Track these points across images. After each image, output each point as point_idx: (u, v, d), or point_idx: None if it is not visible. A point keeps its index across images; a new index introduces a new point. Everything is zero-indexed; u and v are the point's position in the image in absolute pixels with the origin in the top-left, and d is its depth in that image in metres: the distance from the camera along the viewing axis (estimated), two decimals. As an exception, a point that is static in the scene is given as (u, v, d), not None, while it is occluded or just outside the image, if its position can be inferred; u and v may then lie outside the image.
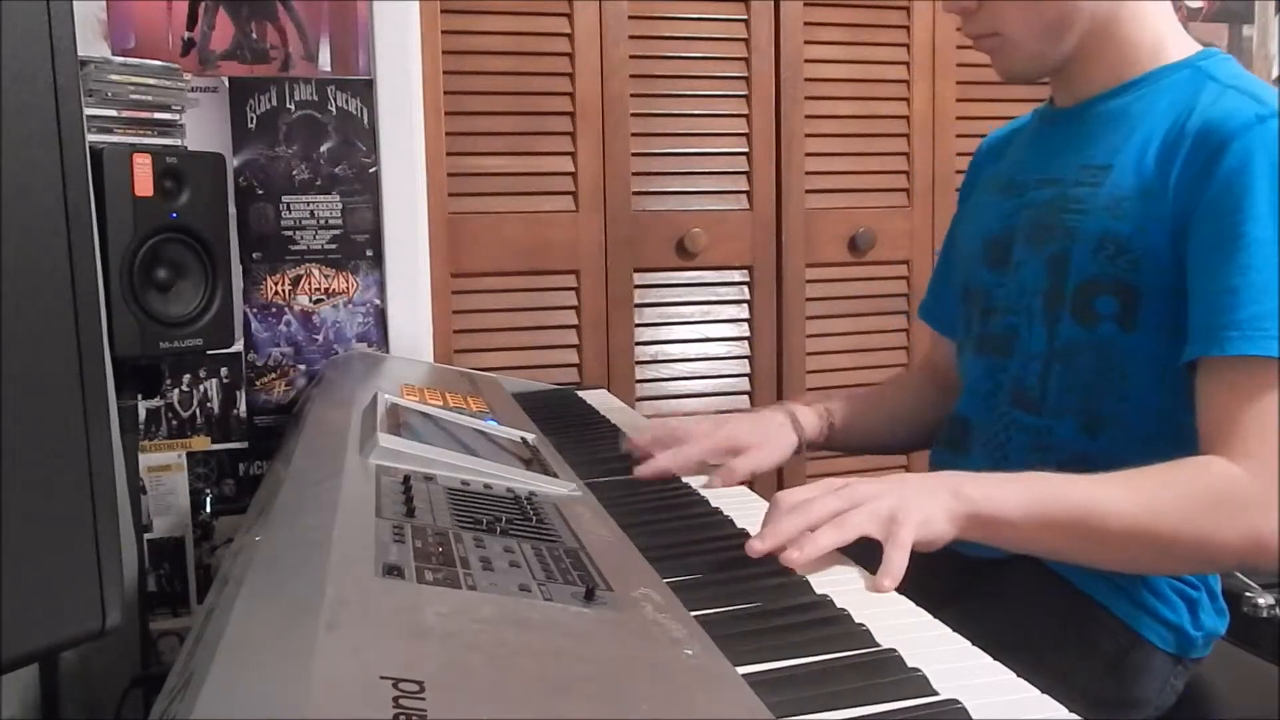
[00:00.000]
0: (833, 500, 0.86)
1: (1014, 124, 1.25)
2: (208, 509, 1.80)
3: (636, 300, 2.05)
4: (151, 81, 1.58)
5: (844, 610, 0.75)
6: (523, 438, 1.15)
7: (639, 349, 2.06)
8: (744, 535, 0.94)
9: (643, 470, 1.14)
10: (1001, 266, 1.10)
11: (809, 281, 2.15)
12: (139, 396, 1.60)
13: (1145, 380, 0.97)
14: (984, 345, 1.12)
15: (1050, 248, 1.03)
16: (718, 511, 1.01)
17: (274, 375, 1.82)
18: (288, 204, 1.80)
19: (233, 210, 1.71)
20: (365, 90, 1.82)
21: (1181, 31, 1.05)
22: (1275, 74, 2.40)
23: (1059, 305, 1.02)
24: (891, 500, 0.85)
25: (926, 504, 0.86)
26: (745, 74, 2.07)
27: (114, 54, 1.66)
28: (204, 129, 1.73)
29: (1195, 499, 0.87)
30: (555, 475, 0.99)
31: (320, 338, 1.84)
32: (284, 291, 1.82)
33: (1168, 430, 0.97)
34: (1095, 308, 0.99)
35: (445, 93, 1.89)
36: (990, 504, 0.87)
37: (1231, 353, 0.88)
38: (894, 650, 0.68)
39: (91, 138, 1.47)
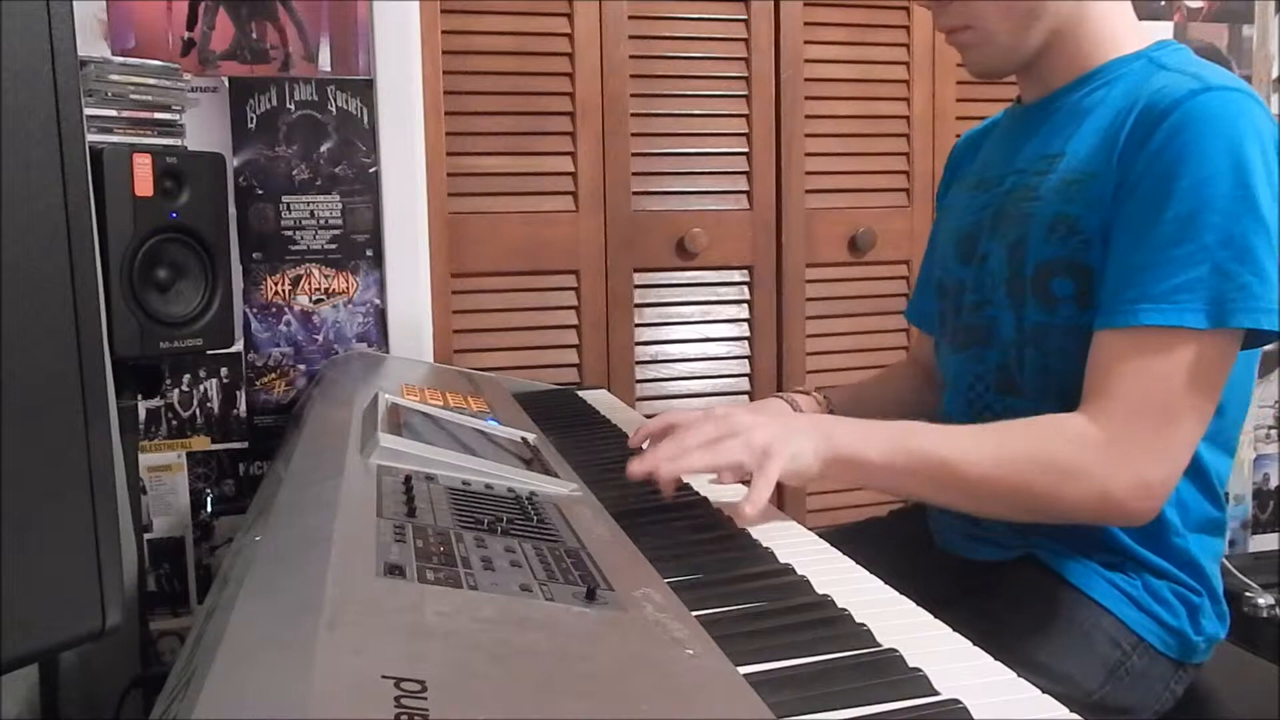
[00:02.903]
0: (710, 427, 0.94)
1: (986, 123, 1.28)
2: (208, 509, 1.80)
3: (636, 300, 2.05)
4: (151, 81, 1.58)
5: (845, 610, 0.75)
6: (523, 438, 1.15)
7: (639, 349, 2.06)
8: (744, 535, 0.94)
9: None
10: (970, 260, 1.12)
11: (809, 281, 2.15)
12: (139, 396, 1.60)
13: None
14: (961, 338, 1.14)
15: (1010, 236, 1.05)
16: (718, 512, 1.01)
17: (274, 375, 1.82)
18: (288, 204, 1.80)
19: (233, 210, 1.71)
20: (365, 90, 1.82)
21: (1138, 25, 1.07)
22: (1275, 74, 2.40)
23: (1021, 291, 1.03)
24: (767, 433, 0.93)
25: (799, 441, 0.93)
26: (745, 74, 2.07)
27: (114, 54, 1.66)
28: (204, 129, 1.73)
29: (1044, 457, 0.93)
30: (556, 475, 0.99)
31: (320, 338, 1.84)
32: (284, 291, 1.82)
33: None
34: (1052, 290, 1.01)
35: (445, 93, 1.89)
36: (852, 447, 0.95)
37: (1144, 323, 0.91)
38: (895, 650, 0.68)
39: (91, 138, 1.47)
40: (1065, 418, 0.94)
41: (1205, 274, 0.89)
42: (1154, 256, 0.91)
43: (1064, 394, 1.01)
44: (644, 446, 1.24)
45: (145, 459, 1.74)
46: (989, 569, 1.07)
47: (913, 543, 1.18)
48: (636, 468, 0.93)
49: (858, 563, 0.88)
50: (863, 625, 0.73)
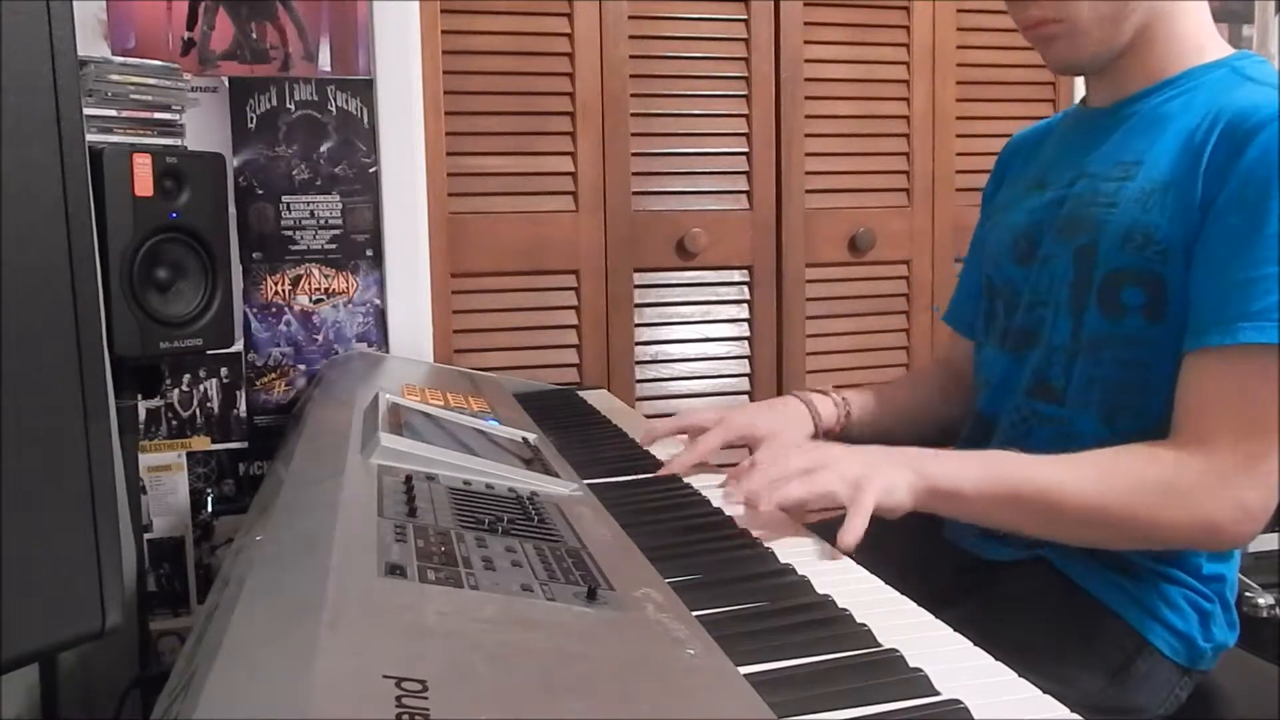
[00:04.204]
0: (804, 459, 0.95)
1: (1042, 124, 1.26)
2: (208, 509, 1.80)
3: (636, 300, 2.05)
4: (151, 81, 1.58)
5: (845, 610, 0.75)
6: (524, 437, 1.15)
7: (639, 349, 2.06)
8: (745, 535, 0.94)
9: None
10: (1028, 261, 1.10)
11: (809, 281, 2.15)
12: (139, 396, 1.59)
13: (1166, 371, 0.97)
14: (1008, 339, 1.12)
15: (1078, 240, 1.03)
16: (718, 511, 1.01)
17: (274, 375, 1.82)
18: (288, 204, 1.80)
19: (233, 210, 1.71)
20: (365, 90, 1.82)
21: (1217, 34, 1.06)
22: (1275, 74, 2.40)
23: (1085, 296, 1.02)
24: (859, 466, 0.93)
25: (890, 474, 0.93)
26: (745, 74, 2.06)
27: (114, 54, 1.66)
28: (204, 129, 1.73)
29: (1147, 483, 0.91)
30: (556, 475, 0.99)
31: (320, 338, 1.84)
32: (284, 291, 1.82)
33: None
34: (1122, 299, 0.99)
35: (445, 93, 1.89)
36: (947, 479, 0.94)
37: (1243, 341, 0.89)
38: (895, 650, 0.68)
39: (91, 138, 1.47)
40: (1161, 444, 0.93)
41: None
42: (1253, 273, 0.89)
43: (1108, 406, 1.00)
44: (650, 450, 1.25)
45: (145, 459, 1.74)
46: (998, 567, 1.06)
47: (920, 536, 1.18)
48: (735, 499, 0.94)
49: (863, 556, 0.88)
50: (863, 625, 0.73)
